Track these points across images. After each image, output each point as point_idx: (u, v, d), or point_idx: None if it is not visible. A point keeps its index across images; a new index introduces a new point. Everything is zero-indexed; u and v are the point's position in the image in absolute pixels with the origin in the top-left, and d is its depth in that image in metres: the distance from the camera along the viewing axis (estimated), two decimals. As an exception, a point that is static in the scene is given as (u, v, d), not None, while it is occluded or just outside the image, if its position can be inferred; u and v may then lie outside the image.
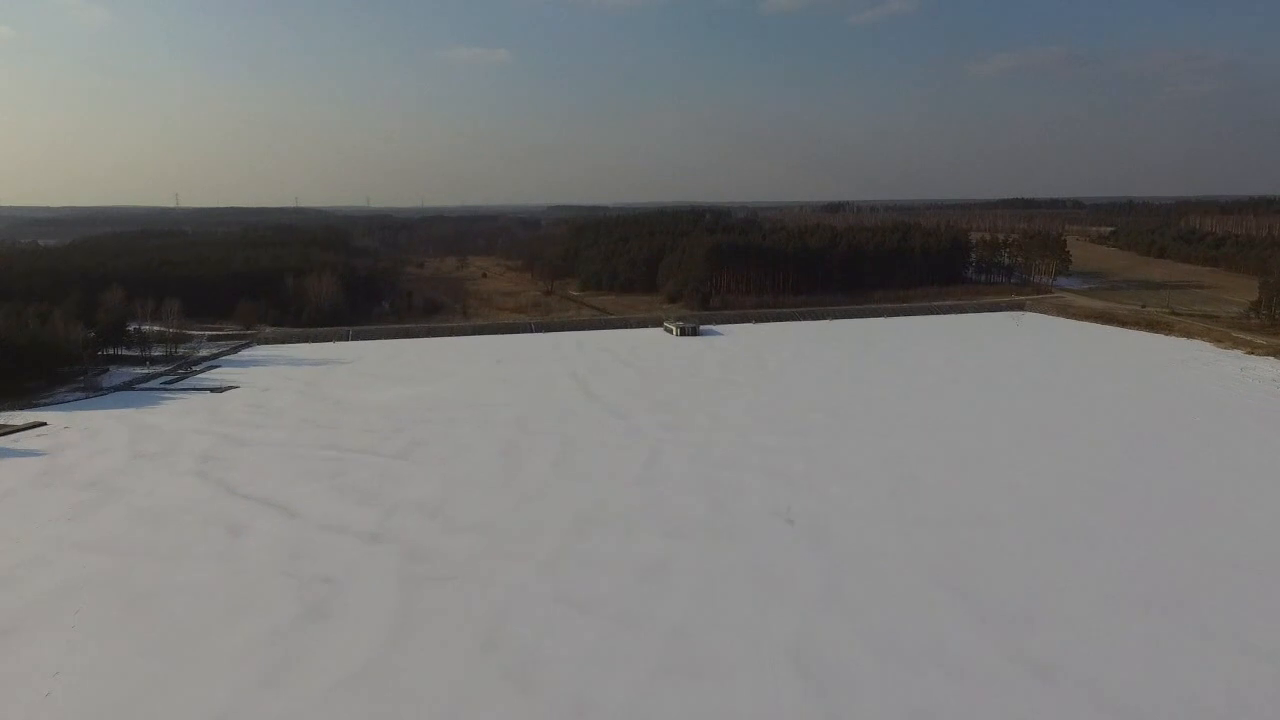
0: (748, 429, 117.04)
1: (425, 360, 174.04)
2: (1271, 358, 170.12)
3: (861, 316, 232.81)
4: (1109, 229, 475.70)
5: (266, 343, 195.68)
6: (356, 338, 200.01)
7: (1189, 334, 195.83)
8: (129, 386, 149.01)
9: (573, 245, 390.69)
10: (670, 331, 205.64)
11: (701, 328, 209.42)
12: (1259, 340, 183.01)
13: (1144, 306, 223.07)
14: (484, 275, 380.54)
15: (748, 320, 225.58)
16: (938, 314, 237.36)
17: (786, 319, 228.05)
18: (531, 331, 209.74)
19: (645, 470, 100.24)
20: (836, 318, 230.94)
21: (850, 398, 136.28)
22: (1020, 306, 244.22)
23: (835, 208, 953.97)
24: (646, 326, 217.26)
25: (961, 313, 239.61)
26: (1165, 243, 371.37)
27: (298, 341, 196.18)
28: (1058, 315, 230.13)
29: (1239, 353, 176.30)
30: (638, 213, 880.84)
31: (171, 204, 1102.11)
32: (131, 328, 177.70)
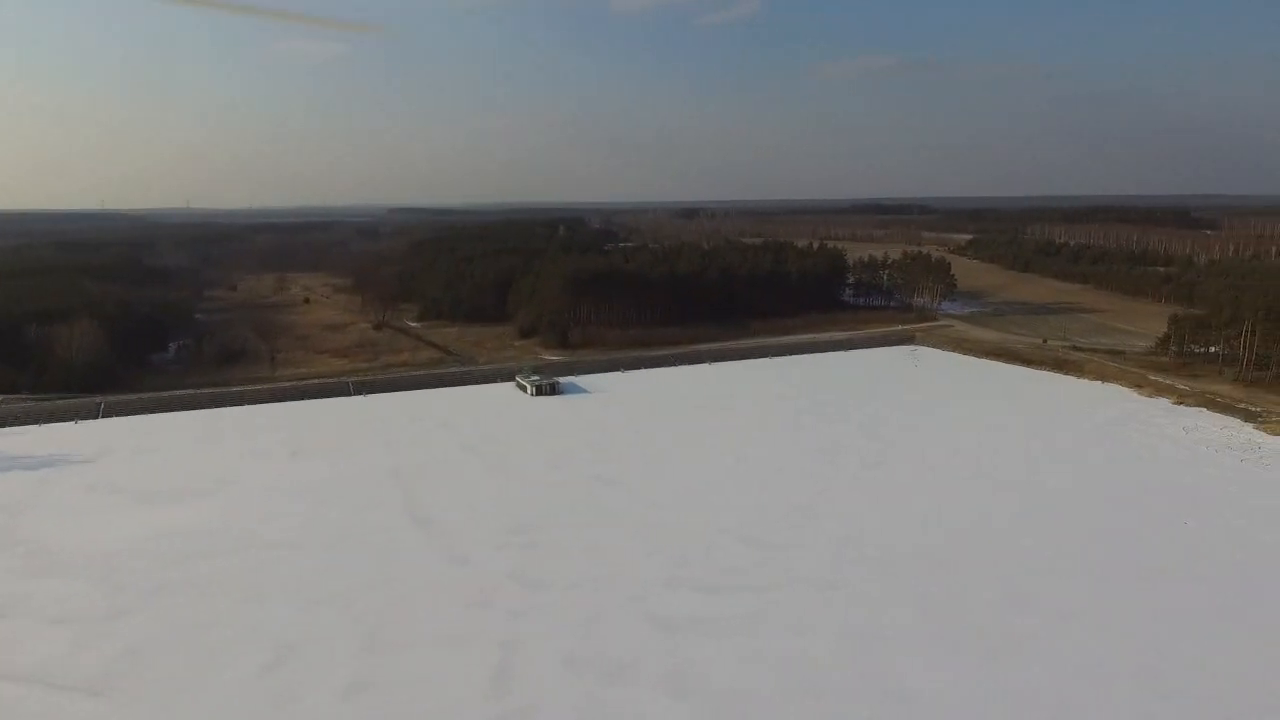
0: (645, 580, 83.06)
1: (197, 453, 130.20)
2: (1204, 409, 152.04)
3: (745, 356, 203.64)
4: (966, 237, 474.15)
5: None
6: (109, 413, 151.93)
7: (1102, 376, 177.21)
8: None
9: (411, 264, 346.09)
10: (524, 389, 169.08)
11: (561, 382, 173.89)
12: (1180, 384, 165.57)
13: (1045, 341, 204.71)
14: (306, 300, 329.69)
15: (616, 366, 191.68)
16: (828, 350, 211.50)
17: (660, 363, 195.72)
18: (351, 394, 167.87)
19: (496, 688, 64.69)
20: (716, 359, 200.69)
21: (772, 500, 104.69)
22: (911, 338, 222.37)
23: (690, 212, 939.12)
24: (496, 381, 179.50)
25: (852, 348, 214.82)
26: (1029, 256, 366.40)
27: (17, 424, 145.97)
28: (953, 350, 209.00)
29: (1165, 401, 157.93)
30: (486, 216, 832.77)
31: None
32: None
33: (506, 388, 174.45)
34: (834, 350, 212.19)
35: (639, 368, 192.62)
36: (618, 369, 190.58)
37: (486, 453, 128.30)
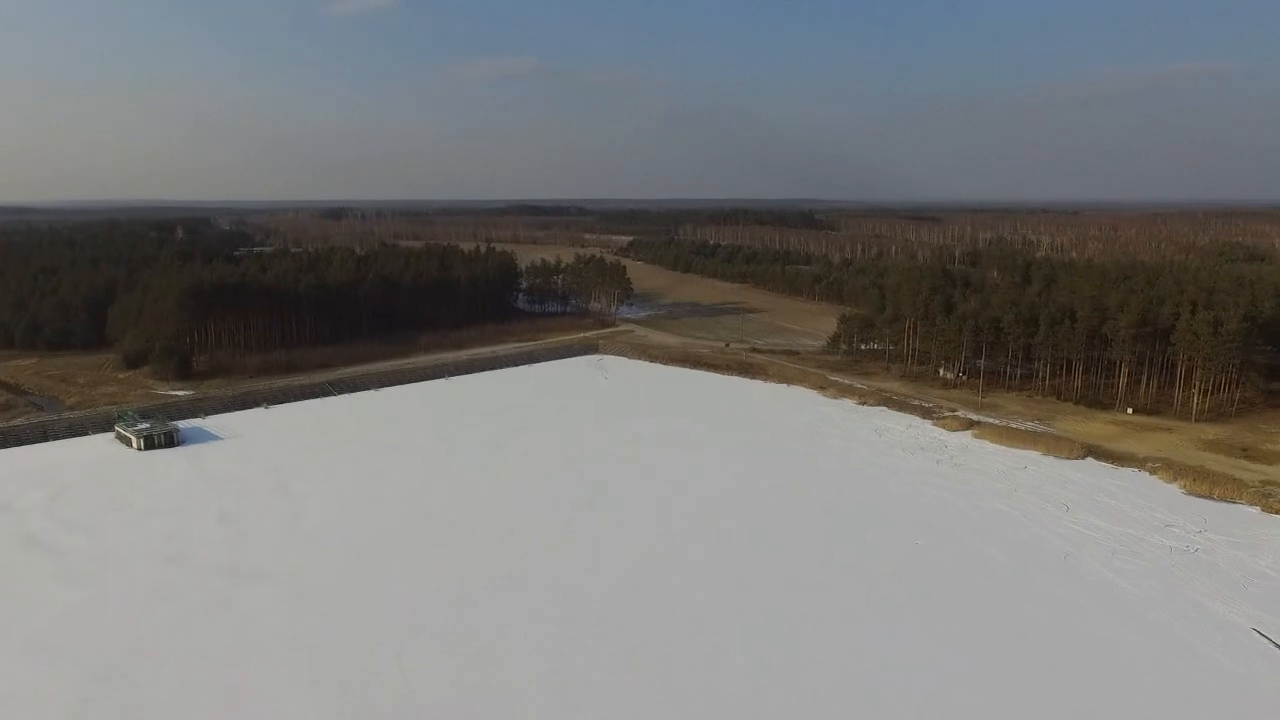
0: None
1: None
2: (884, 407, 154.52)
3: (416, 378, 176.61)
4: (627, 238, 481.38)
5: None
6: None
7: (785, 379, 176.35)
8: None
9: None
10: (129, 442, 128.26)
11: (182, 428, 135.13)
12: (857, 384, 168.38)
13: (727, 345, 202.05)
14: None
15: (256, 401, 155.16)
16: (510, 365, 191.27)
17: (313, 393, 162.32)
18: None
19: None
20: (382, 383, 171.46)
21: (469, 568, 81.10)
22: (595, 347, 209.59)
23: (337, 212, 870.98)
24: (87, 433, 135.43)
25: (535, 360, 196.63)
26: (689, 257, 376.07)
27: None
28: (638, 358, 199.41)
29: (848, 403, 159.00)
30: (82, 217, 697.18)
31: None
32: None
33: (104, 440, 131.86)
34: (516, 365, 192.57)
35: (286, 400, 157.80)
36: (259, 404, 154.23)
37: (62, 549, 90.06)
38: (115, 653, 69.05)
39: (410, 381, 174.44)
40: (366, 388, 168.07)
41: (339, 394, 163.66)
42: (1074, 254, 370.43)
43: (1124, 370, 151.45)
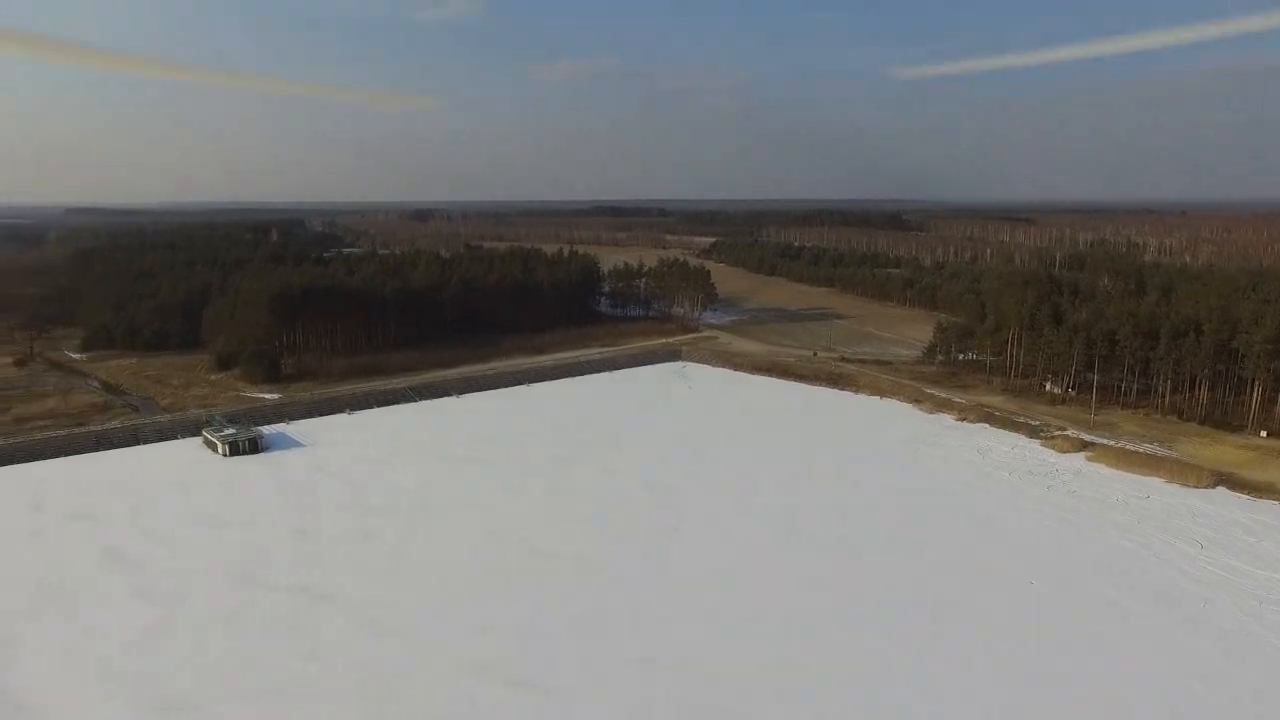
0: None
1: None
2: (985, 424, 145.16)
3: (497, 384, 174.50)
4: (709, 240, 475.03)
5: None
6: None
7: (877, 390, 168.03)
8: None
9: (75, 279, 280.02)
10: (214, 447, 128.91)
11: (267, 433, 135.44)
12: (955, 399, 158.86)
13: (815, 354, 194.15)
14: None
15: (340, 406, 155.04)
16: (592, 372, 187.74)
17: (396, 399, 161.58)
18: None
19: None
20: (463, 389, 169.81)
21: (542, 613, 76.95)
22: (678, 354, 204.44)
23: (424, 214, 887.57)
24: (176, 437, 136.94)
25: (617, 367, 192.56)
26: (773, 259, 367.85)
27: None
28: (723, 365, 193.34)
29: (947, 418, 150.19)
30: (184, 218, 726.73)
31: None
32: None
33: (191, 445, 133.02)
34: (598, 371, 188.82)
35: (369, 406, 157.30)
36: (342, 410, 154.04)
37: (140, 561, 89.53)
38: (185, 682, 66.98)
39: (491, 388, 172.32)
40: (448, 393, 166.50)
41: (420, 399, 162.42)
42: (1187, 258, 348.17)
43: (1257, 388, 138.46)
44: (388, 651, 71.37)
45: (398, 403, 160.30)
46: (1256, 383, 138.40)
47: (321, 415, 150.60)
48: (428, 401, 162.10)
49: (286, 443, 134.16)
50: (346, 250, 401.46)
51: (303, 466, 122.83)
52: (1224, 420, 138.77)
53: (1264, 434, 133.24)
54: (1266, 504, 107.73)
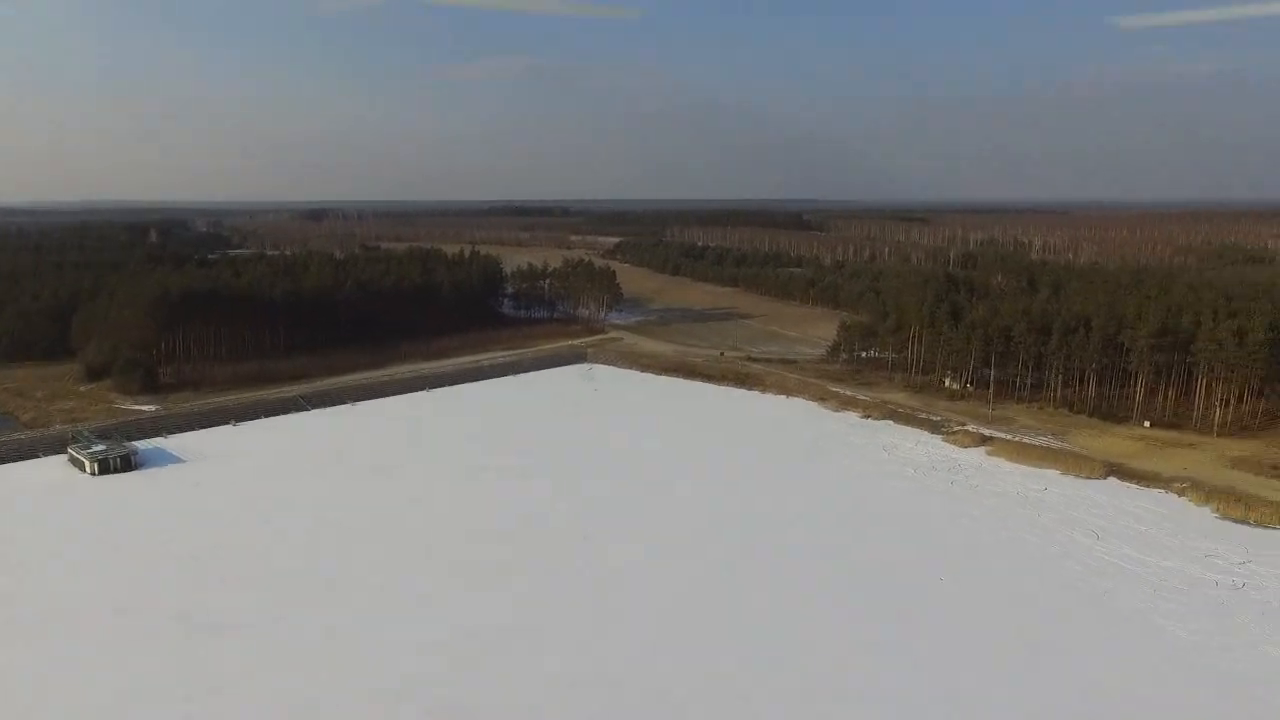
0: None
1: None
2: (890, 421, 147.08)
3: (398, 390, 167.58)
4: (614, 240, 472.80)
5: None
6: None
7: (784, 389, 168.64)
8: None
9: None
10: (82, 466, 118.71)
11: (143, 449, 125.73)
12: (860, 396, 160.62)
13: (722, 354, 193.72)
14: None
15: (226, 417, 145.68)
16: (496, 376, 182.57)
17: (288, 408, 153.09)
18: None
19: None
20: (361, 396, 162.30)
21: (464, 627, 72.56)
22: (584, 355, 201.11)
23: (318, 213, 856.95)
24: (38, 455, 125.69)
25: (522, 370, 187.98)
26: (677, 259, 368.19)
27: None
28: (629, 367, 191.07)
29: (852, 416, 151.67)
30: (58, 218, 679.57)
31: None
32: None
33: (55, 464, 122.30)
34: (503, 375, 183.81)
35: (257, 416, 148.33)
36: (227, 421, 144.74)
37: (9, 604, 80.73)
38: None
39: (390, 394, 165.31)
40: (343, 401, 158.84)
41: (313, 409, 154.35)
42: (1070, 256, 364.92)
43: (1141, 381, 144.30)
44: (292, 683, 65.76)
45: (289, 412, 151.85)
46: (1141, 376, 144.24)
47: (204, 428, 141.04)
48: (322, 410, 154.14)
49: (165, 459, 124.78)
50: (233, 251, 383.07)
51: (184, 484, 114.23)
52: (1111, 412, 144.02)
53: (1148, 424, 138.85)
54: (1154, 493, 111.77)
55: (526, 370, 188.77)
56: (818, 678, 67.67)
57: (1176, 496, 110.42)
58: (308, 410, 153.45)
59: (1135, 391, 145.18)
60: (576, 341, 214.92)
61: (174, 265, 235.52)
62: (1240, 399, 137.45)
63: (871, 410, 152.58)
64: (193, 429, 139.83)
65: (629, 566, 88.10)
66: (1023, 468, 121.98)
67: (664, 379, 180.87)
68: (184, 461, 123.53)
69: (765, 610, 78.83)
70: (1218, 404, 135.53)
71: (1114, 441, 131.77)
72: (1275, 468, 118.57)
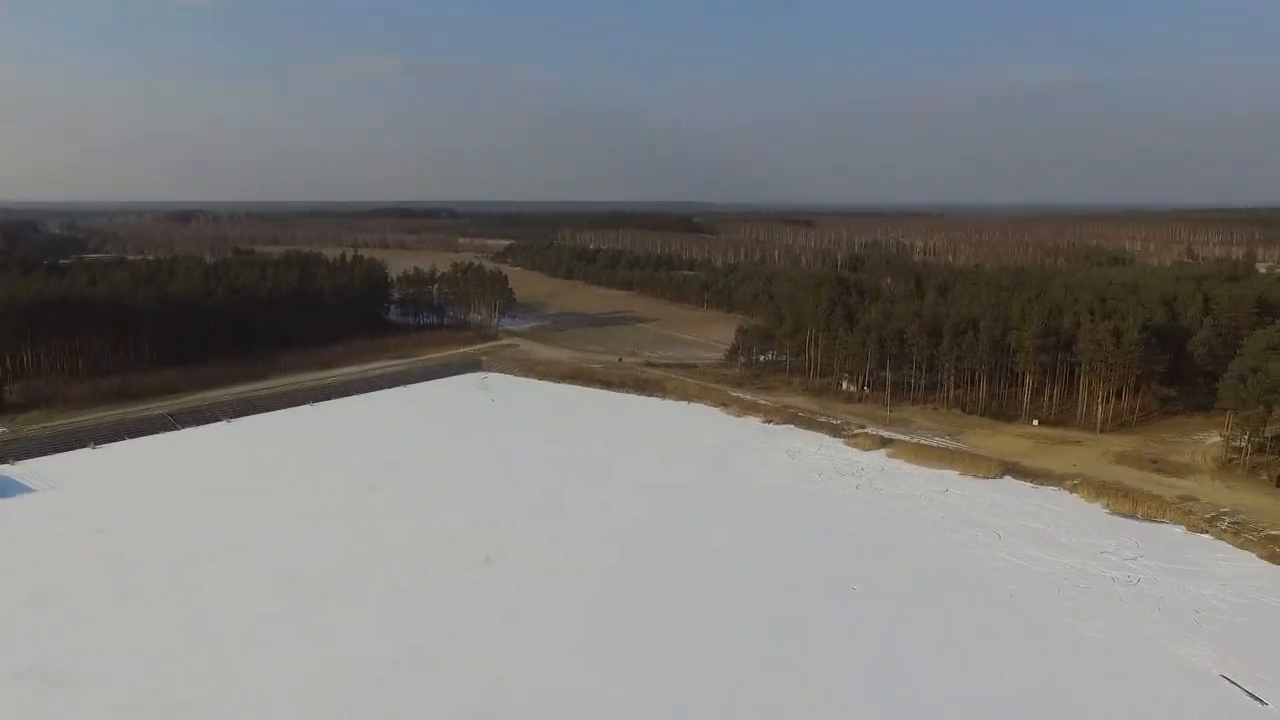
0: None
1: None
2: (791, 425, 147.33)
3: (276, 405, 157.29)
4: (503, 243, 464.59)
5: None
6: None
7: (685, 395, 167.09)
8: None
9: None
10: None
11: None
12: (761, 401, 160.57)
13: (620, 360, 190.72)
14: None
15: (83, 440, 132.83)
16: (386, 387, 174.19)
17: (154, 428, 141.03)
18: None
19: None
20: (235, 413, 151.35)
21: (344, 645, 66.48)
22: (478, 364, 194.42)
23: (187, 215, 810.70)
24: None
25: (412, 381, 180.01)
26: (569, 262, 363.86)
27: None
28: (525, 375, 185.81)
29: (754, 421, 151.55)
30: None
31: None
32: None
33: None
34: (392, 386, 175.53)
35: (119, 438, 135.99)
36: (85, 444, 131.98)
37: None
38: None
39: (268, 409, 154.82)
40: (216, 419, 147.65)
41: (183, 427, 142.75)
42: (950, 258, 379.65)
43: (1028, 381, 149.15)
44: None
45: (155, 431, 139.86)
46: (1027, 376, 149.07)
47: (58, 451, 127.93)
48: (193, 429, 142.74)
49: (12, 488, 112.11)
50: (90, 256, 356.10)
51: (34, 516, 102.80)
52: (1001, 411, 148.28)
53: (1036, 423, 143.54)
54: (1047, 490, 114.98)
55: (417, 380, 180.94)
56: (738, 691, 65.01)
57: (1069, 494, 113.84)
58: (177, 429, 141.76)
59: (1023, 391, 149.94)
60: (469, 349, 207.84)
61: (21, 271, 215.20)
62: (1119, 396, 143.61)
63: (773, 415, 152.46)
64: (45, 453, 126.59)
65: (536, 590, 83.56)
66: (923, 469, 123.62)
67: (562, 386, 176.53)
68: (35, 490, 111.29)
69: (677, 621, 75.88)
70: (1099, 402, 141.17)
71: (1006, 440, 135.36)
72: (1154, 462, 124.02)
